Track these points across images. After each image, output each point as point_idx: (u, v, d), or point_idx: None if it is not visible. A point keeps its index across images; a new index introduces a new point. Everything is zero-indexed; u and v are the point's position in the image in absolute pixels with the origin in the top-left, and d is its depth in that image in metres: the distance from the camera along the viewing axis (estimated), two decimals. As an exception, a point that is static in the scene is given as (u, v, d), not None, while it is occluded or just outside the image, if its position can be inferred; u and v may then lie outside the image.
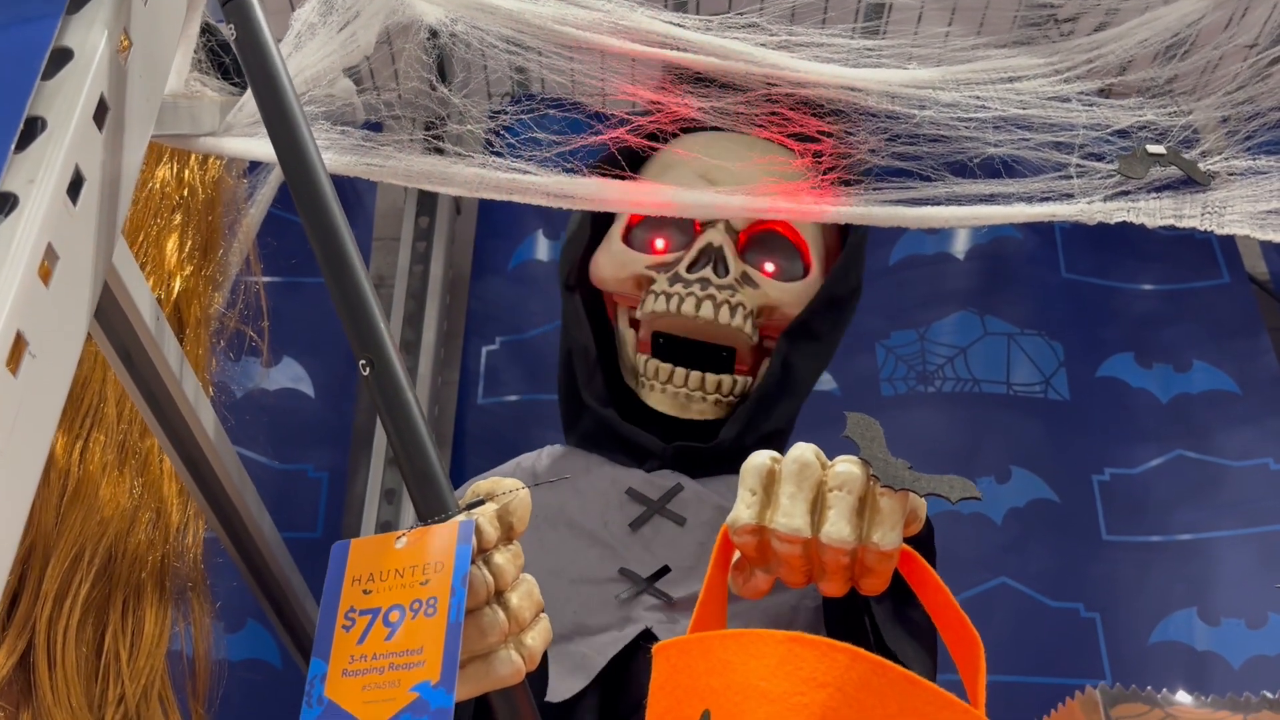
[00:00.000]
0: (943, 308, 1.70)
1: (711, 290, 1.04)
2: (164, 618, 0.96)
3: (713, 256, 1.06)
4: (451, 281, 1.83)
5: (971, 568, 1.50)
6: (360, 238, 1.85)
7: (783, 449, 1.14)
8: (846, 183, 0.88)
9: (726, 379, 1.06)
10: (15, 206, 0.59)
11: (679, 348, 1.07)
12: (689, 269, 1.06)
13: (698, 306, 1.04)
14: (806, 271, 1.10)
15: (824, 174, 0.87)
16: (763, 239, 1.09)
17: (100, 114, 0.65)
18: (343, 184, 1.92)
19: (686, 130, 1.07)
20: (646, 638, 0.92)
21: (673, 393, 1.06)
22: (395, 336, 1.72)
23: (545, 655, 0.87)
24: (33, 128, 0.61)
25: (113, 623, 0.92)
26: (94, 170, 0.64)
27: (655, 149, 1.02)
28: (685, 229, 1.10)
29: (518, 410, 1.70)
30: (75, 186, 0.63)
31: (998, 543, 1.53)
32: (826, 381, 1.67)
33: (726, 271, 1.05)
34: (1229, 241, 1.78)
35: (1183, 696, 0.47)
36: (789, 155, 1.05)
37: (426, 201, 1.83)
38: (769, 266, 1.09)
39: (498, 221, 1.85)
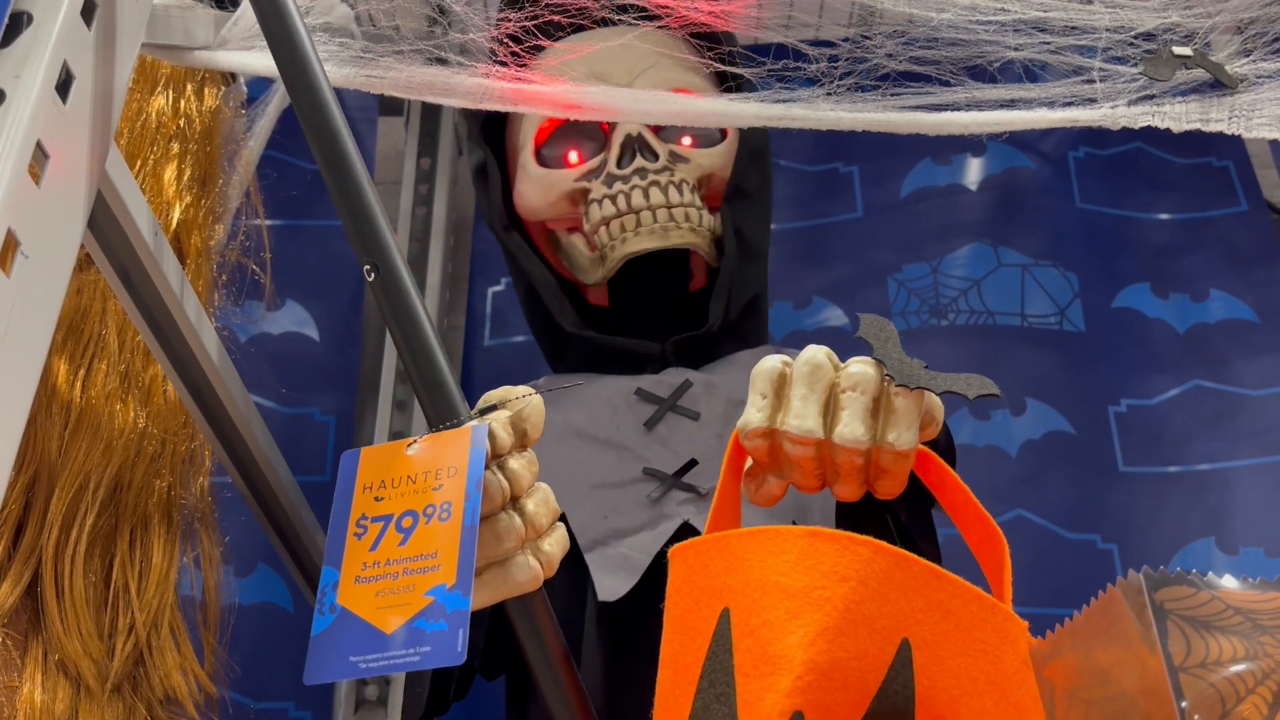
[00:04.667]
0: (955, 240, 1.67)
1: (652, 177, 1.03)
2: (172, 548, 0.95)
3: (636, 146, 1.05)
4: (455, 223, 1.80)
5: (987, 500, 1.46)
6: (362, 181, 1.81)
7: (762, 310, 1.15)
8: (862, 88, 0.85)
9: (693, 209, 1.05)
10: (2, 102, 0.56)
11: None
12: (619, 165, 1.05)
13: (646, 195, 1.03)
14: (724, 133, 1.10)
15: (838, 79, 0.84)
16: None
17: (88, 12, 0.63)
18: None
19: (573, 29, 1.07)
20: (685, 530, 0.91)
21: (647, 229, 1.04)
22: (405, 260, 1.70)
23: (583, 562, 0.86)
24: (18, 22, 0.59)
25: (120, 552, 0.91)
26: (84, 70, 0.62)
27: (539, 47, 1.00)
28: (592, 133, 1.09)
29: (525, 351, 1.68)
30: (65, 86, 0.61)
31: (1013, 475, 1.51)
32: (838, 316, 1.65)
33: (656, 156, 1.05)
34: (1246, 169, 1.75)
35: (1229, 580, 0.45)
36: (674, 40, 1.04)
37: (428, 143, 1.80)
38: (686, 140, 1.09)
39: (501, 161, 1.82)
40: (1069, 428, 1.54)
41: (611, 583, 0.89)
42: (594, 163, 1.07)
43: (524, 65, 0.83)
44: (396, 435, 1.57)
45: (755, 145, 1.11)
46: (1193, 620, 0.45)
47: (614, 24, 1.04)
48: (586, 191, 1.06)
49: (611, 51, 1.05)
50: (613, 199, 1.03)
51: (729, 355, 1.05)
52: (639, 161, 1.04)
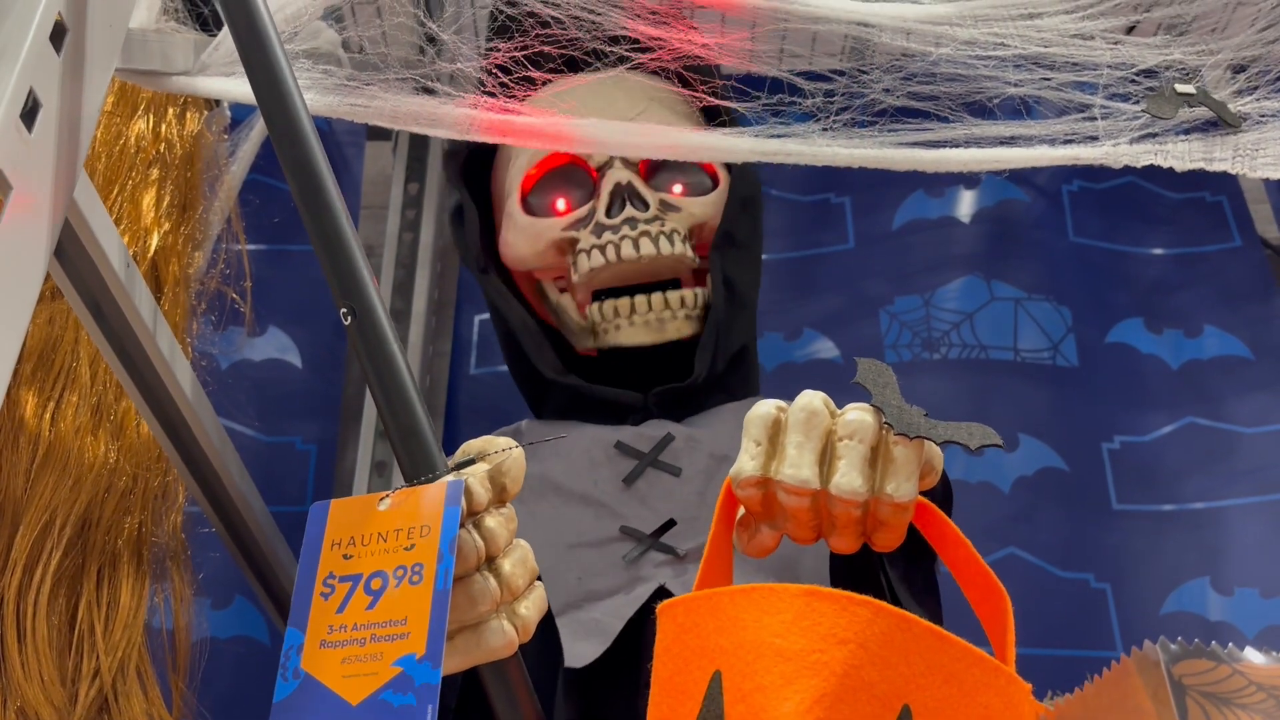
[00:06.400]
0: (948, 273, 1.65)
1: (642, 227, 1.00)
2: (141, 588, 0.92)
3: (625, 194, 1.02)
4: (442, 249, 1.78)
5: (979, 538, 1.43)
6: (348, 206, 1.79)
7: (751, 363, 1.12)
8: (858, 123, 0.83)
9: (688, 293, 1.03)
10: (-38, 131, 0.54)
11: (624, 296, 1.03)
12: (608, 214, 1.02)
13: (636, 246, 1.00)
14: (715, 181, 1.07)
15: (834, 114, 0.82)
16: (663, 162, 1.05)
17: (57, 36, 0.60)
18: (329, 150, 1.86)
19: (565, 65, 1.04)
20: (661, 595, 0.88)
21: (641, 321, 1.01)
22: (385, 305, 1.67)
23: (554, 625, 0.83)
24: (-18, 48, 0.57)
25: (86, 593, 0.87)
26: (51, 97, 0.59)
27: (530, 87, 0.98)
28: (581, 180, 1.06)
29: (511, 380, 1.65)
30: (31, 114, 0.58)
31: (1006, 512, 1.48)
32: (829, 349, 1.62)
33: (646, 205, 1.02)
34: (1240, 204, 1.74)
35: (1251, 653, 0.43)
36: (674, 96, 1.02)
37: (416, 167, 1.78)
38: (678, 187, 1.06)
39: (490, 187, 1.80)
40: (1062, 464, 1.52)
41: (581, 648, 0.85)
42: (582, 211, 1.04)
43: (513, 99, 0.80)
44: (379, 465, 1.54)
45: (747, 193, 1.08)
46: (1213, 697, 0.42)
47: (606, 65, 1.01)
48: (575, 241, 1.03)
49: (605, 95, 1.03)
50: (601, 249, 1.00)
51: (714, 408, 1.02)
52: (629, 210, 1.01)
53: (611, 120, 1.00)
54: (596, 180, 1.04)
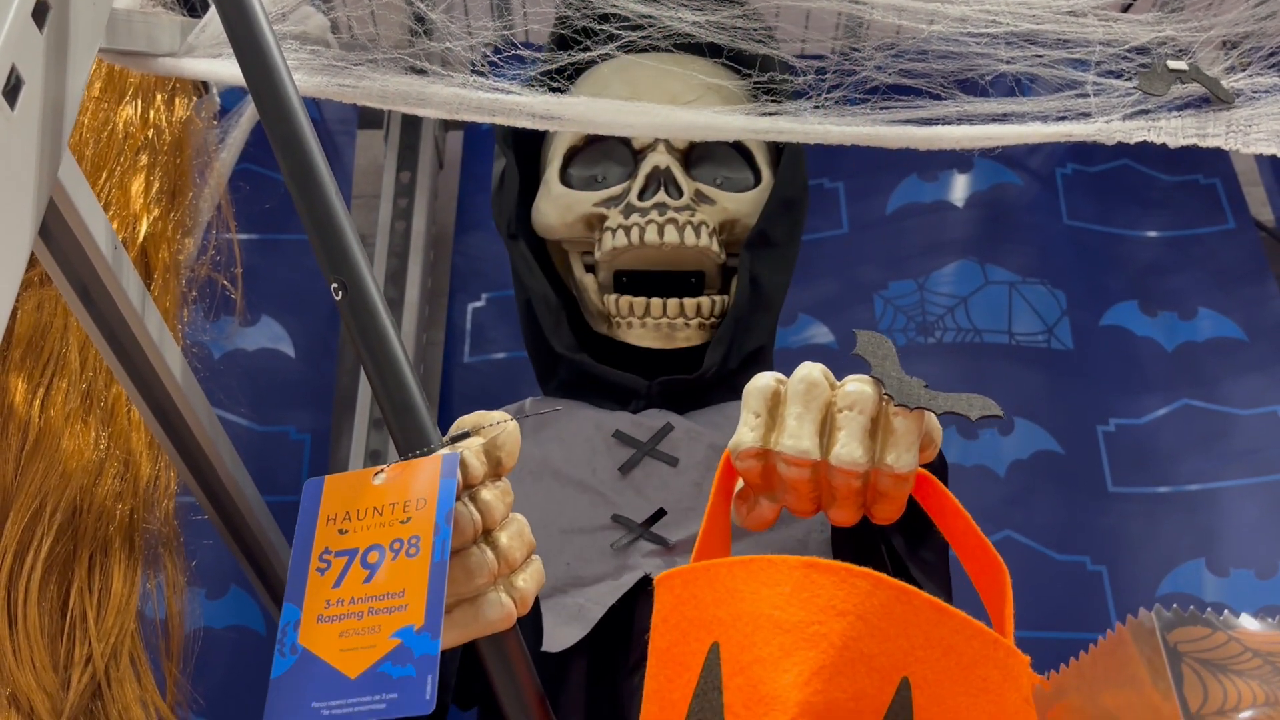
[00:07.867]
0: (942, 257, 1.65)
1: (670, 214, 0.99)
2: (133, 574, 0.91)
3: (662, 179, 1.00)
4: (435, 237, 1.77)
5: (975, 521, 1.46)
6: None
7: (768, 365, 1.11)
8: (851, 101, 0.83)
9: (705, 301, 1.01)
10: (-56, 107, 0.53)
11: (645, 282, 1.02)
12: (640, 196, 1.00)
13: (660, 233, 0.98)
14: (758, 179, 1.06)
15: (826, 92, 0.82)
16: (708, 152, 1.04)
17: (39, 14, 0.60)
18: (321, 138, 1.86)
19: (623, 50, 1.02)
20: (645, 585, 0.87)
21: (653, 325, 1.00)
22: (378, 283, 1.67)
23: (538, 606, 0.83)
24: (-37, 23, 0.56)
25: (78, 580, 0.87)
26: (34, 74, 0.59)
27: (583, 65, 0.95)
28: (622, 159, 1.05)
29: (505, 368, 1.65)
30: (13, 90, 0.57)
31: (1001, 495, 1.48)
32: (824, 334, 1.62)
33: (680, 192, 1.00)
34: (1234, 187, 1.74)
35: (1246, 620, 0.42)
36: (726, 72, 1.00)
37: (408, 156, 1.77)
38: (719, 180, 1.04)
39: (482, 175, 1.79)
40: (1057, 447, 1.52)
41: (562, 633, 0.85)
42: (617, 189, 1.03)
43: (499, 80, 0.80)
44: (373, 454, 1.54)
45: (791, 195, 1.06)
46: (1208, 663, 0.42)
47: (663, 51, 0.99)
48: (604, 218, 1.02)
49: (654, 76, 1.02)
50: (627, 231, 0.99)
51: (719, 404, 1.00)
52: (661, 195, 0.99)
53: (658, 104, 1.00)
54: (637, 160, 1.03)
